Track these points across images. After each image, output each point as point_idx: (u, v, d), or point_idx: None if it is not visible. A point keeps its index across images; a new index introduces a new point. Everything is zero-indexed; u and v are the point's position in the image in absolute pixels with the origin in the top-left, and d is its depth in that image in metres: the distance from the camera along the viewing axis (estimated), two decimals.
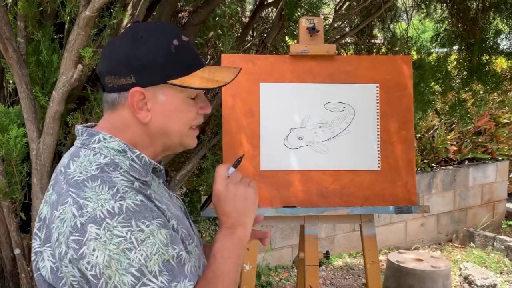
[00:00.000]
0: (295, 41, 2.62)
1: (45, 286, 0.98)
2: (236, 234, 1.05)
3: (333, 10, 3.23)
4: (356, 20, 3.40)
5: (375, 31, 3.80)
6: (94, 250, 0.89)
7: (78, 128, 1.07)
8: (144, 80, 1.01)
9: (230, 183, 1.06)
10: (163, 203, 1.03)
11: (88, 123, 1.12)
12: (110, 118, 1.06)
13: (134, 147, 1.04)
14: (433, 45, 3.72)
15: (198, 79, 1.03)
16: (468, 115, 3.85)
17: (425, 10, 3.75)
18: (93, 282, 0.90)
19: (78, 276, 0.92)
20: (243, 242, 1.06)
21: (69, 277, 0.93)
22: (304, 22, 2.06)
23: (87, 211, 0.91)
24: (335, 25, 3.12)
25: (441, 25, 3.70)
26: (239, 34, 2.90)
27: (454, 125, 5.64)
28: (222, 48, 2.35)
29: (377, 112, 2.07)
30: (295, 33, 2.69)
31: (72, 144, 2.09)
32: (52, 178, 1.05)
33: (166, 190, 1.13)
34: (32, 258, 1.01)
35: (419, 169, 5.09)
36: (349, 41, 3.64)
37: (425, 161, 5.29)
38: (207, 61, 2.84)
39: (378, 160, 2.05)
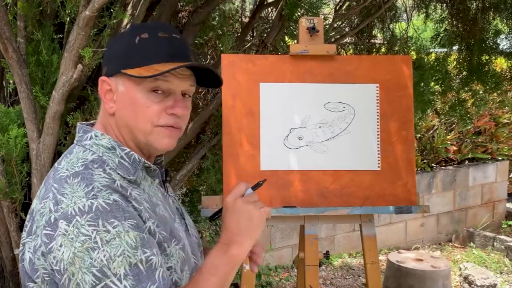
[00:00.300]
0: (295, 41, 2.62)
1: (26, 277, 0.99)
2: (229, 252, 1.02)
3: (333, 10, 3.23)
4: (356, 20, 3.40)
5: (375, 31, 3.79)
6: (61, 245, 0.90)
7: (77, 125, 1.09)
8: (108, 70, 1.05)
9: (242, 199, 1.05)
10: (147, 203, 1.02)
11: (92, 121, 1.13)
12: (101, 113, 1.09)
13: (122, 144, 1.05)
14: (433, 45, 3.72)
15: (145, 70, 1.00)
16: (468, 115, 3.85)
17: (425, 10, 3.75)
18: (57, 277, 0.91)
19: (49, 269, 0.93)
20: (235, 262, 1.02)
21: (41, 269, 0.94)
22: (304, 22, 2.06)
23: (61, 207, 0.92)
24: (335, 25, 3.12)
25: (441, 25, 3.70)
26: (239, 34, 2.90)
27: (454, 125, 5.64)
28: (222, 48, 2.35)
29: (377, 112, 2.07)
30: (295, 33, 2.69)
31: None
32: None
33: (161, 190, 1.12)
34: (20, 249, 1.02)
35: (419, 169, 5.10)
36: (349, 41, 3.64)
37: (425, 161, 5.29)
38: (207, 61, 2.84)
39: (378, 160, 2.05)
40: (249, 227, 1.03)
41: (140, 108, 1.02)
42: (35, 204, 1.01)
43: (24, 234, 1.01)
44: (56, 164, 1.04)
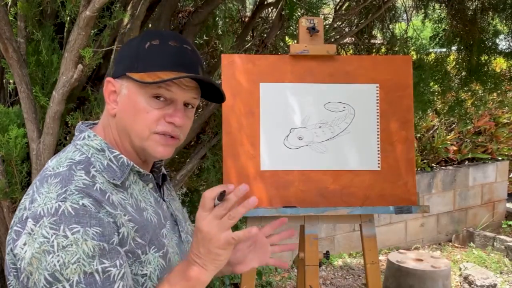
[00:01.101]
0: (295, 41, 2.62)
1: (6, 270, 0.99)
2: (188, 272, 0.96)
3: (333, 10, 3.23)
4: (356, 20, 3.41)
5: (374, 31, 3.80)
6: (24, 244, 0.91)
7: (77, 124, 1.10)
8: (114, 71, 1.06)
9: (208, 219, 0.93)
10: (132, 207, 1.00)
11: (94, 122, 1.14)
12: (103, 114, 1.10)
13: (114, 146, 1.05)
14: (432, 45, 3.72)
15: (148, 76, 1.00)
16: (468, 115, 3.85)
17: (424, 10, 3.75)
18: (17, 275, 0.93)
19: (17, 265, 0.93)
20: (193, 284, 0.96)
21: (10, 264, 0.95)
22: (304, 22, 2.06)
23: (33, 206, 0.93)
24: (335, 25, 3.12)
25: (440, 25, 3.70)
26: (239, 34, 2.91)
27: (454, 125, 5.65)
28: (222, 48, 2.35)
29: (377, 112, 2.07)
30: (295, 33, 2.69)
31: None
32: None
33: (154, 195, 1.10)
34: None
35: (419, 169, 5.10)
36: (349, 41, 3.65)
37: (425, 161, 5.30)
38: (207, 61, 2.84)
39: (378, 160, 2.06)
40: (209, 252, 0.94)
41: (139, 112, 1.02)
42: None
43: (11, 229, 1.02)
44: (49, 161, 1.04)
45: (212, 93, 1.11)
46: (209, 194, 0.94)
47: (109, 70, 1.09)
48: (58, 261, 0.88)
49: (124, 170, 1.03)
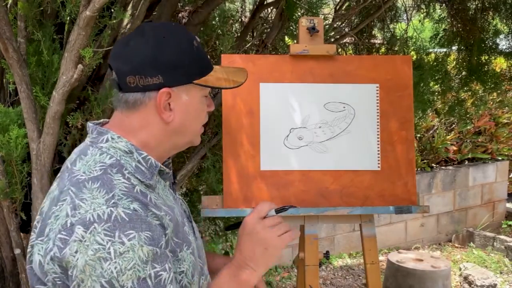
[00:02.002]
0: (295, 41, 2.62)
1: (35, 279, 0.98)
2: (239, 276, 1.02)
3: (333, 10, 3.24)
4: (356, 20, 3.41)
5: (375, 31, 3.80)
6: (76, 252, 0.89)
7: (90, 125, 1.07)
8: (171, 80, 1.01)
9: (261, 224, 1.06)
10: (165, 206, 1.02)
11: (101, 120, 1.11)
12: (126, 118, 1.04)
13: (142, 149, 1.03)
14: (432, 45, 3.72)
15: (215, 78, 1.06)
16: (468, 115, 3.85)
17: (425, 10, 3.75)
18: (69, 282, 0.91)
19: (59, 273, 0.92)
20: (245, 287, 1.03)
21: (51, 273, 0.93)
22: (304, 22, 2.06)
23: (79, 212, 0.91)
24: (335, 25, 3.12)
25: (440, 25, 3.70)
26: (239, 34, 2.91)
27: (454, 125, 5.65)
28: (222, 48, 2.35)
29: (377, 112, 2.07)
30: (295, 33, 2.70)
31: (73, 144, 2.09)
32: (60, 172, 1.05)
33: (172, 193, 1.12)
34: (28, 249, 1.01)
35: (419, 169, 5.10)
36: (349, 41, 3.65)
37: (425, 161, 5.30)
38: None
39: (378, 160, 2.06)
40: (264, 255, 1.03)
41: (199, 113, 1.08)
42: (47, 205, 0.99)
43: (33, 235, 0.99)
44: (69, 165, 1.02)
45: None
46: (267, 205, 1.10)
47: (156, 81, 1.03)
48: (115, 268, 0.87)
49: (153, 171, 1.03)
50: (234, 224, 1.15)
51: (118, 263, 0.87)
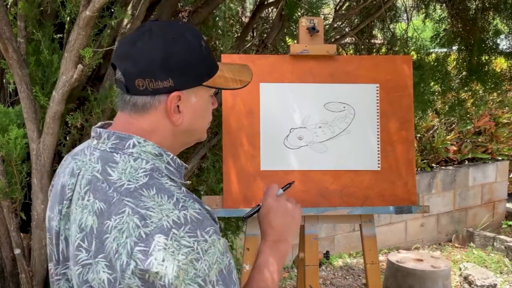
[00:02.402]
0: (295, 41, 2.62)
1: None
2: (280, 248, 1.14)
3: (333, 10, 3.24)
4: (356, 20, 3.41)
5: (375, 31, 3.80)
6: (163, 260, 0.87)
7: (100, 130, 1.03)
8: (181, 83, 1.00)
9: (281, 200, 1.19)
10: None
11: (103, 122, 1.09)
12: (136, 121, 1.02)
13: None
14: (433, 45, 3.72)
15: (223, 79, 1.07)
16: (468, 115, 3.85)
17: (425, 10, 3.75)
18: None
19: (140, 285, 0.89)
20: (285, 256, 1.14)
21: (134, 287, 0.90)
22: (304, 22, 2.06)
23: (151, 222, 0.89)
24: (335, 25, 3.12)
25: (440, 25, 3.70)
26: (239, 34, 2.91)
27: (454, 125, 5.65)
28: (222, 48, 2.35)
29: (377, 112, 2.07)
30: (295, 33, 2.69)
31: (72, 144, 2.09)
32: (83, 184, 1.00)
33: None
34: (79, 271, 0.97)
35: (419, 169, 5.10)
36: (349, 41, 3.65)
37: (425, 161, 5.29)
38: None
39: (378, 160, 2.06)
40: (293, 224, 1.18)
41: (207, 112, 1.10)
42: (92, 220, 0.94)
43: (81, 255, 0.95)
44: (98, 175, 0.97)
45: None
46: (275, 186, 1.23)
47: (166, 84, 1.00)
48: (206, 265, 0.90)
49: (181, 170, 1.05)
50: (252, 211, 1.25)
51: (206, 260, 0.90)
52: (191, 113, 1.04)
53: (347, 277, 4.27)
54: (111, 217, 0.91)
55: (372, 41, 3.74)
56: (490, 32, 3.60)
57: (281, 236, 1.16)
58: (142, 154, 0.99)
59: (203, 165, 2.61)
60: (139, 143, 1.00)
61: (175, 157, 1.04)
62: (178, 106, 1.01)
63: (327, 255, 2.15)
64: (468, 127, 5.53)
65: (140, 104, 1.01)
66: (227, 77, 1.08)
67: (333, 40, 2.93)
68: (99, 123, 1.09)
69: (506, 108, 5.57)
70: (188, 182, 1.10)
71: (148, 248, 0.87)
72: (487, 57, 3.57)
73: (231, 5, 2.81)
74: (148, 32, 1.00)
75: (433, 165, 5.36)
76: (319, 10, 2.60)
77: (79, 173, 1.02)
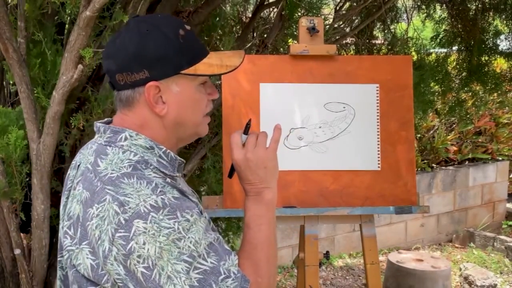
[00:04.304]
0: (295, 41, 2.62)
1: (83, 281, 0.98)
2: (264, 199, 1.09)
3: (333, 10, 3.24)
4: (356, 20, 3.41)
5: (375, 32, 3.80)
6: (144, 243, 0.90)
7: (99, 125, 1.07)
8: (157, 73, 1.01)
9: (248, 152, 1.09)
10: (192, 196, 1.06)
11: (106, 119, 1.11)
12: (126, 116, 1.05)
13: (159, 144, 1.05)
14: (433, 45, 3.73)
15: (207, 66, 1.04)
16: (468, 116, 3.85)
17: (425, 11, 3.75)
18: (145, 274, 0.90)
19: (123, 274, 0.92)
20: (273, 205, 1.10)
21: (114, 274, 0.93)
22: (304, 22, 2.06)
23: (129, 208, 0.91)
24: (335, 25, 3.12)
25: (440, 25, 3.70)
26: (239, 34, 2.91)
27: (454, 125, 5.64)
28: (222, 49, 2.35)
29: (377, 112, 2.07)
30: (295, 33, 2.70)
31: (73, 145, 2.09)
32: (78, 175, 1.04)
33: (186, 184, 1.15)
34: (66, 256, 1.01)
35: (419, 169, 5.10)
36: (349, 41, 3.65)
37: (425, 161, 5.29)
38: None
39: (378, 160, 2.06)
40: (268, 172, 1.11)
41: (197, 103, 1.07)
42: (78, 209, 0.98)
43: (68, 241, 0.99)
44: (89, 166, 1.01)
45: None
46: (236, 136, 1.12)
47: (142, 75, 1.03)
48: (190, 242, 0.92)
49: (174, 164, 1.06)
50: (231, 169, 1.19)
51: (191, 237, 0.92)
52: (176, 103, 1.04)
53: (347, 277, 4.27)
54: (94, 205, 0.95)
55: (373, 41, 3.74)
56: (490, 33, 3.60)
57: (261, 188, 1.10)
58: (132, 147, 1.02)
59: (203, 165, 2.61)
60: (131, 136, 1.03)
61: (168, 150, 1.04)
62: (161, 97, 1.02)
63: (327, 255, 2.15)
64: (468, 127, 5.53)
65: (124, 98, 1.04)
66: (213, 63, 1.05)
67: (333, 40, 2.93)
68: (104, 119, 1.11)
69: (506, 108, 5.57)
70: (178, 174, 1.07)
71: (129, 233, 0.90)
72: (487, 58, 3.57)
73: (229, 6, 2.81)
74: (125, 28, 1.05)
75: (433, 165, 5.36)
76: (319, 10, 2.60)
77: (79, 165, 1.06)
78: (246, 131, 1.15)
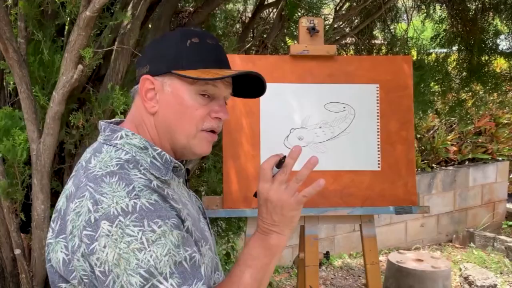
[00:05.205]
0: (295, 41, 2.62)
1: (55, 277, 0.98)
2: (268, 241, 1.00)
3: (333, 10, 3.24)
4: (356, 20, 3.41)
5: (375, 32, 3.80)
6: (104, 246, 0.88)
7: (102, 123, 1.07)
8: (153, 68, 1.03)
9: (272, 190, 1.00)
10: (180, 202, 1.01)
11: (114, 119, 1.12)
12: (130, 111, 1.08)
13: (154, 145, 1.04)
14: (433, 45, 3.73)
15: (201, 72, 1.01)
16: (468, 116, 3.85)
17: (425, 11, 3.76)
18: (100, 278, 0.89)
19: (89, 271, 0.92)
20: (275, 252, 1.00)
21: (80, 271, 0.93)
22: (304, 23, 2.06)
23: (101, 207, 0.90)
24: (335, 25, 3.12)
25: (440, 25, 3.70)
26: (239, 35, 2.91)
27: (454, 126, 5.65)
28: None
29: (377, 113, 2.07)
30: (295, 33, 2.70)
31: (74, 145, 2.09)
32: (73, 171, 1.05)
33: (186, 190, 1.12)
34: (45, 249, 1.01)
35: (419, 169, 5.10)
36: (349, 41, 3.65)
37: (425, 161, 5.29)
38: None
39: (378, 160, 2.06)
40: (284, 218, 1.01)
41: (187, 110, 1.02)
42: (62, 202, 0.99)
43: (50, 234, 0.99)
44: (83, 163, 1.02)
45: (242, 90, 1.14)
46: (267, 165, 1.01)
47: (145, 70, 1.08)
48: (151, 256, 0.87)
49: (168, 166, 1.03)
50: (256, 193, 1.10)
51: (153, 251, 0.87)
52: (166, 103, 1.03)
53: (347, 277, 4.27)
54: (74, 200, 0.95)
55: (372, 41, 3.74)
56: (490, 33, 3.60)
57: (271, 228, 1.00)
58: (125, 146, 1.01)
59: (204, 165, 2.61)
60: (126, 135, 1.03)
61: (163, 152, 1.03)
62: (156, 95, 1.03)
63: (327, 255, 2.16)
64: (469, 128, 5.53)
65: (132, 93, 1.09)
66: (208, 72, 1.02)
67: (333, 40, 2.93)
68: (112, 119, 1.13)
69: (506, 108, 5.57)
70: (177, 178, 1.05)
71: (95, 233, 0.89)
72: (487, 58, 3.57)
73: (231, 5, 2.81)
74: None
75: (433, 165, 5.36)
76: (319, 10, 2.60)
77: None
78: (279, 165, 1.05)
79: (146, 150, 1.02)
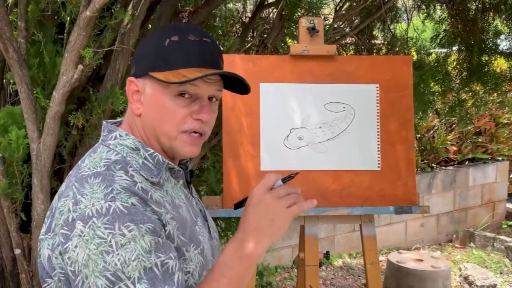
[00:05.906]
0: (295, 41, 2.62)
1: (44, 272, 0.99)
2: (244, 250, 0.95)
3: (333, 10, 3.24)
4: (356, 20, 3.41)
5: (375, 32, 3.80)
6: (76, 246, 0.89)
7: (103, 123, 1.08)
8: (136, 70, 1.04)
9: (269, 194, 0.96)
10: (168, 205, 1.00)
11: (117, 120, 1.12)
12: (126, 112, 1.09)
13: (147, 145, 1.04)
14: (433, 45, 3.73)
15: (174, 74, 0.98)
16: (468, 116, 3.86)
17: (425, 11, 3.76)
18: (71, 278, 0.91)
19: (65, 269, 0.93)
20: (250, 262, 0.95)
21: (57, 268, 0.95)
22: (304, 23, 2.06)
23: (79, 207, 0.91)
24: (335, 25, 3.12)
25: (440, 25, 3.71)
26: (239, 35, 2.91)
27: (454, 126, 5.65)
28: (222, 48, 2.35)
29: (377, 112, 2.07)
30: (295, 33, 2.70)
31: (74, 145, 2.09)
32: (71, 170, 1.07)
33: (184, 192, 1.11)
34: (38, 245, 1.02)
35: (419, 169, 5.10)
36: (349, 41, 3.65)
37: (425, 161, 5.30)
38: None
39: (378, 160, 2.06)
40: (270, 226, 0.95)
41: (167, 112, 1.01)
42: (55, 201, 1.01)
43: (42, 230, 1.01)
44: (80, 162, 1.03)
45: (234, 84, 1.09)
46: (273, 176, 0.98)
47: (131, 72, 1.09)
48: (119, 260, 0.87)
49: (160, 168, 1.02)
50: (241, 201, 1.06)
51: (121, 254, 0.87)
52: (148, 106, 1.03)
53: (347, 277, 4.27)
54: (61, 198, 0.96)
55: (372, 41, 3.75)
56: (490, 33, 3.60)
57: (250, 236, 0.95)
58: (117, 147, 1.02)
59: (203, 165, 2.62)
60: (120, 136, 1.03)
61: (155, 153, 1.02)
62: (141, 97, 1.03)
63: (327, 255, 2.16)
64: (468, 128, 5.53)
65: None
66: (183, 74, 0.99)
67: (333, 40, 2.93)
68: (117, 120, 1.14)
69: (506, 108, 5.57)
70: (157, 179, 1.01)
71: (70, 232, 0.91)
72: (487, 58, 3.57)
73: (231, 5, 2.81)
74: None
75: (433, 165, 5.36)
76: (319, 10, 2.60)
77: None
78: (285, 180, 1.00)
79: (138, 151, 1.02)
